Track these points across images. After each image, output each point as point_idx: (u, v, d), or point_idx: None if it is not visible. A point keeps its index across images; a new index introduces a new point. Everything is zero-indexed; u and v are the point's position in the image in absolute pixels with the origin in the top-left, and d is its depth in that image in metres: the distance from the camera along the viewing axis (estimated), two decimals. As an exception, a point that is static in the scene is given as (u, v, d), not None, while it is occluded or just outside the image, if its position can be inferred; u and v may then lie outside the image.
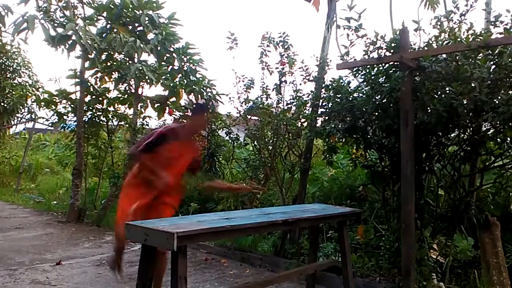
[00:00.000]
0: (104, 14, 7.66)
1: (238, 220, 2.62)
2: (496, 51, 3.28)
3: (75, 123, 8.22)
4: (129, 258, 5.23)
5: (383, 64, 3.86)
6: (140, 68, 7.07)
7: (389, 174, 4.08)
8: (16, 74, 12.49)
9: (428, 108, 3.50)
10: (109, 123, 8.56)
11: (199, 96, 7.79)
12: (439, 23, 3.68)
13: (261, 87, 5.43)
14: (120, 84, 7.95)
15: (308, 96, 5.09)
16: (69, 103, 8.39)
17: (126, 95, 8.25)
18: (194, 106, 3.91)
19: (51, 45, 6.98)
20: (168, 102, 8.17)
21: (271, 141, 5.54)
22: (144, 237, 2.27)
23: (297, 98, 5.16)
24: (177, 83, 7.89)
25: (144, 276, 2.46)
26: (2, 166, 13.68)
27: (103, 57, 7.80)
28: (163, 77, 7.78)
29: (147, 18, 7.42)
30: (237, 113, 5.79)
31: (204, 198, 7.51)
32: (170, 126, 3.61)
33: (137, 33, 7.64)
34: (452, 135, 3.77)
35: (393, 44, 3.76)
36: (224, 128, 6.34)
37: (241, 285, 3.23)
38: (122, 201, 3.45)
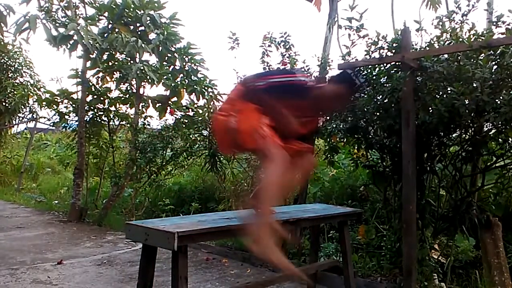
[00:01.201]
0: (106, 14, 7.67)
1: (239, 220, 2.62)
2: (498, 51, 3.27)
3: (77, 123, 8.23)
4: (130, 258, 5.24)
5: (385, 64, 3.86)
6: (142, 68, 7.08)
7: (391, 174, 4.07)
8: (17, 74, 12.51)
9: (430, 108, 3.49)
10: (111, 123, 8.58)
11: (201, 95, 7.79)
12: (440, 23, 3.68)
13: (262, 87, 5.42)
14: (122, 84, 7.97)
15: (309, 96, 5.09)
16: (71, 102, 8.40)
17: (128, 95, 8.26)
18: (342, 71, 2.90)
19: (52, 45, 6.99)
20: (169, 102, 8.18)
21: (272, 141, 5.53)
22: (145, 236, 2.27)
23: (299, 98, 5.16)
24: (179, 83, 7.91)
25: (145, 275, 2.45)
26: (4, 165, 13.70)
27: (105, 57, 7.81)
28: (165, 77, 7.79)
29: (148, 18, 7.42)
30: (239, 113, 5.78)
31: (205, 197, 7.52)
32: (306, 80, 2.75)
33: (139, 33, 7.65)
34: (453, 135, 3.76)
35: (394, 44, 3.76)
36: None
37: (242, 285, 3.23)
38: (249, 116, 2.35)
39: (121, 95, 8.35)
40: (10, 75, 12.37)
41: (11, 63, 12.28)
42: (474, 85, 3.17)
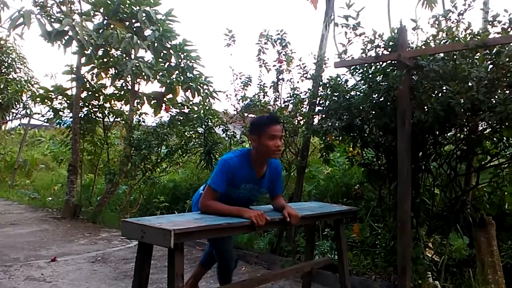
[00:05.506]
0: (101, 9, 7.62)
1: (235, 217, 2.61)
2: (494, 51, 3.29)
3: (71, 119, 8.18)
4: (124, 255, 5.23)
5: (381, 63, 3.86)
6: (137, 64, 7.05)
7: (386, 172, 4.08)
8: (11, 69, 12.40)
9: (426, 107, 3.51)
10: (105, 120, 8.53)
11: (196, 93, 7.80)
12: (437, 22, 3.69)
13: (258, 84, 5.43)
14: (117, 80, 7.93)
15: (305, 94, 5.09)
16: (65, 99, 8.35)
17: (123, 92, 8.23)
18: None
19: (47, 41, 6.94)
20: (164, 99, 8.16)
21: (268, 139, 5.52)
22: (141, 234, 2.26)
23: (295, 96, 5.16)
24: (174, 79, 7.89)
25: (141, 273, 2.44)
26: (-3, 161, 13.63)
27: (100, 53, 7.77)
28: (160, 73, 7.76)
29: (144, 14, 7.39)
30: (234, 110, 5.78)
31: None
32: None
33: (134, 29, 7.61)
34: (449, 134, 3.78)
35: (391, 43, 3.76)
36: (221, 126, 6.34)
37: (236, 282, 3.23)
38: None
39: (116, 91, 8.31)
40: (3, 71, 12.26)
41: (4, 58, 12.16)
42: (470, 84, 3.18)
